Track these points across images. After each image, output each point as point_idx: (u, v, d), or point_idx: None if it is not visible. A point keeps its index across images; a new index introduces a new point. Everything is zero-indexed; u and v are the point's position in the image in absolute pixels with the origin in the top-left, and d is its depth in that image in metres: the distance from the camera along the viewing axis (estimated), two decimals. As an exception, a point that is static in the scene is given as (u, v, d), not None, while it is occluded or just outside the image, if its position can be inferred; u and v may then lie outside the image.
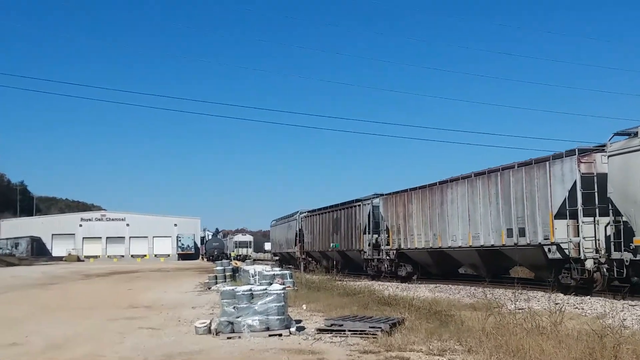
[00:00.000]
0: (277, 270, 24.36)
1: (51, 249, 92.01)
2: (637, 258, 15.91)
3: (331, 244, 37.82)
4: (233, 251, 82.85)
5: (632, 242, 16.09)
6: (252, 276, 22.61)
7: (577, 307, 14.82)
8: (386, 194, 30.98)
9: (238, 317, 11.47)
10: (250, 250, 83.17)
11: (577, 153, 18.23)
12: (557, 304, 12.73)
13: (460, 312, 13.75)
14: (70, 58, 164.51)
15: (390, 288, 21.70)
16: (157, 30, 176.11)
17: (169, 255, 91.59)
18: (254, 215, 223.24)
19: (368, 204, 32.61)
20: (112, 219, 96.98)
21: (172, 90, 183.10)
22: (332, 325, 11.43)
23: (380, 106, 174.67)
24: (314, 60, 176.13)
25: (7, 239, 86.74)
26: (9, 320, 15.85)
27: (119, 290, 26.81)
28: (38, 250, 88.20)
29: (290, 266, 44.82)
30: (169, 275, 41.50)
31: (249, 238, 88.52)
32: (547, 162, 19.32)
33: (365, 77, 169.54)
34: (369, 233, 31.96)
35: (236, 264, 34.26)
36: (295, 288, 21.34)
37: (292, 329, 11.53)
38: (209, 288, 25.03)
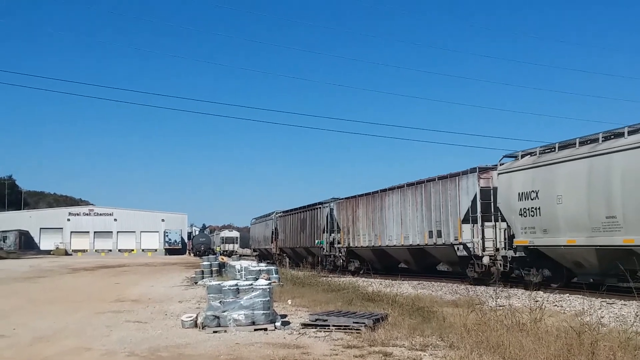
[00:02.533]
0: (263, 266, 24.50)
1: (39, 243, 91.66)
2: (516, 255, 20.65)
3: (299, 242, 42.05)
4: (219, 247, 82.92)
5: (514, 243, 20.62)
6: (239, 271, 22.76)
7: (556, 305, 15.05)
8: (340, 199, 35.60)
9: (224, 312, 11.61)
10: (236, 246, 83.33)
11: (477, 171, 22.41)
12: (537, 301, 12.92)
13: (442, 308, 13.95)
14: (59, 53, 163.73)
15: (374, 284, 21.89)
16: (146, 26, 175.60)
17: (156, 250, 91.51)
18: (240, 212, 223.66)
19: (327, 206, 36.90)
20: (100, 214, 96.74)
21: (161, 87, 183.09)
22: (316, 320, 11.60)
23: (372, 106, 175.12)
24: (313, 61, 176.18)
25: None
26: (-4, 313, 15.90)
27: (107, 284, 26.84)
28: (26, 244, 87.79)
29: (269, 261, 47.07)
30: (156, 269, 41.48)
31: (235, 234, 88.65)
32: (457, 177, 23.40)
33: (357, 78, 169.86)
34: (326, 232, 36.12)
35: (223, 259, 34.41)
36: (281, 283, 21.49)
37: (278, 324, 11.68)
38: (196, 283, 25.11)
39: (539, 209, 19.13)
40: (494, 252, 21.69)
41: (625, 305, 14.55)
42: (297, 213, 43.39)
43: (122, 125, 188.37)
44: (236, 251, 77.39)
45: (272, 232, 50.21)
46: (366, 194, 31.74)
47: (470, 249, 22.22)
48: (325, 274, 30.15)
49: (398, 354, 8.92)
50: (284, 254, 46.83)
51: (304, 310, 14.48)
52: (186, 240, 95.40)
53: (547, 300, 15.31)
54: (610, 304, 14.97)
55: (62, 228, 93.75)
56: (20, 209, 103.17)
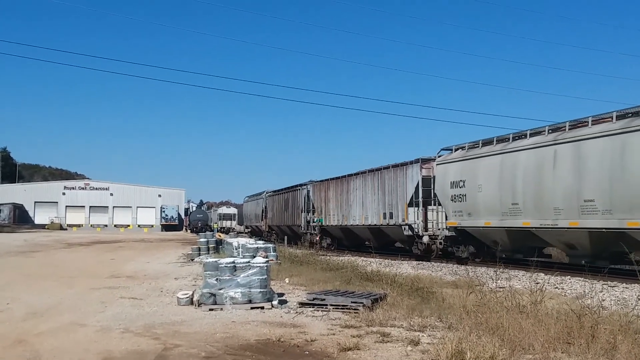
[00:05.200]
0: (260, 244, 24.39)
1: (34, 217, 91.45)
2: (449, 234, 24.05)
3: (283, 220, 45.50)
4: (217, 223, 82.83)
5: (446, 224, 24.07)
6: (236, 249, 22.66)
7: (557, 287, 14.98)
8: (315, 182, 38.87)
9: (220, 289, 11.48)
10: (234, 223, 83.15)
11: (420, 161, 25.59)
12: (537, 283, 12.83)
13: (442, 289, 13.85)
14: (57, 24, 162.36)
15: (373, 264, 21.82)
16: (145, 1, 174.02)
17: (152, 226, 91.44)
18: (238, 188, 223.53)
19: (305, 188, 39.99)
20: (96, 188, 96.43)
21: (158, 60, 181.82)
22: (314, 299, 11.48)
23: (370, 80, 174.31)
24: (317, 36, 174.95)
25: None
26: (-11, 287, 15.78)
27: (102, 260, 26.75)
28: (20, 218, 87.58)
29: (259, 237, 48.44)
30: (152, 245, 41.46)
31: (233, 210, 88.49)
32: (405, 166, 26.69)
33: (362, 53, 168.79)
34: (304, 212, 39.41)
35: (220, 236, 34.37)
36: (279, 262, 21.38)
37: (275, 302, 11.57)
38: (192, 260, 25.04)
39: (465, 195, 22.49)
40: (434, 232, 24.93)
41: (627, 288, 14.51)
42: (282, 193, 46.68)
43: (119, 99, 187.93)
44: (234, 228, 77.28)
45: (262, 210, 53.08)
46: (336, 178, 35.19)
47: (415, 229, 25.50)
48: (318, 251, 30.57)
49: (396, 334, 8.81)
50: (273, 231, 49.80)
51: (301, 289, 14.38)
52: (183, 217, 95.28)
53: (548, 282, 15.23)
54: (612, 286, 14.92)
55: (57, 202, 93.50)
56: (15, 182, 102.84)
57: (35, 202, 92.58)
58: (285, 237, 42.93)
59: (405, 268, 21.02)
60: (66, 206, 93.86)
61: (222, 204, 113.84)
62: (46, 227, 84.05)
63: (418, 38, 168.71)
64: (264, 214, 52.84)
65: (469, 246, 23.33)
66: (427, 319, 9.82)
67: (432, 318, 9.92)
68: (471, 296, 10.37)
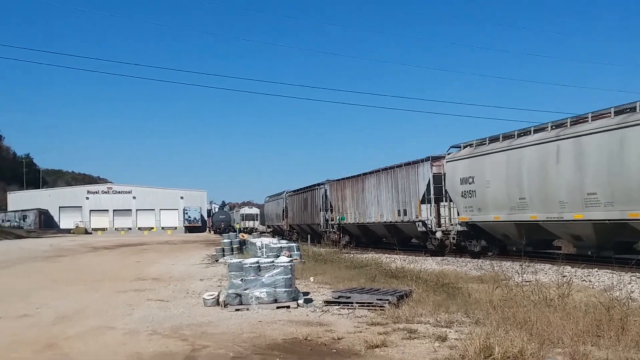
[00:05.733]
0: (284, 243, 24.43)
1: (59, 222, 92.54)
2: (460, 229, 24.56)
3: (303, 219, 46.62)
4: (240, 224, 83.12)
5: (458, 219, 24.65)
6: (259, 249, 22.73)
7: (584, 280, 14.83)
8: (332, 181, 39.82)
9: (246, 290, 11.52)
10: (257, 223, 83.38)
11: (430, 159, 26.34)
12: (564, 276, 12.73)
13: (467, 284, 13.79)
14: (79, 30, 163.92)
15: (397, 261, 21.78)
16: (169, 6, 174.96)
17: (175, 228, 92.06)
18: (259, 188, 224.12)
19: (322, 188, 40.91)
20: (119, 192, 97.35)
21: (178, 63, 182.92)
22: (339, 297, 11.48)
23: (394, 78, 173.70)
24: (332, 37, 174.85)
25: (14, 211, 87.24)
26: (18, 292, 15.99)
27: (127, 263, 27.00)
28: (46, 223, 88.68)
29: (281, 237, 49.71)
30: (176, 247, 41.74)
31: (255, 211, 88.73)
32: (417, 164, 27.43)
33: (373, 50, 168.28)
34: (322, 210, 40.41)
35: (243, 236, 34.47)
36: (303, 260, 21.41)
37: (300, 301, 11.58)
38: (217, 260, 25.15)
39: (474, 191, 23.16)
40: (446, 228, 25.67)
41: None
42: (301, 193, 47.86)
43: (139, 103, 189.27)
44: (257, 228, 77.51)
45: (283, 210, 54.16)
46: (351, 177, 36.13)
47: (428, 225, 26.21)
48: (341, 249, 30.54)
49: (423, 330, 8.78)
50: (294, 230, 51.17)
51: (326, 287, 14.39)
52: (206, 218, 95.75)
53: (575, 275, 15.17)
54: (640, 278, 14.71)
55: (81, 206, 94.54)
56: (39, 188, 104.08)
57: (59, 207, 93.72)
58: (309, 236, 43.10)
59: (430, 264, 20.96)
60: (90, 210, 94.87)
61: (244, 204, 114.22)
62: (71, 231, 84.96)
63: (426, 33, 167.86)
64: (284, 213, 53.86)
65: (481, 240, 24.00)
66: (454, 315, 9.78)
67: (458, 314, 9.87)
68: (497, 291, 10.30)
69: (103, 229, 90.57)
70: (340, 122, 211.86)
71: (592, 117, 18.16)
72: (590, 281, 14.75)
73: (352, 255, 25.68)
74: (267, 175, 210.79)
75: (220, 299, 11.84)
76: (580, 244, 19.29)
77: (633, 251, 18.70)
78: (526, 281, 12.28)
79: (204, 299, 12.24)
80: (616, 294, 10.39)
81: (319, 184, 42.22)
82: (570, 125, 18.85)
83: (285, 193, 54.37)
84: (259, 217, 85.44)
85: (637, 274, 15.20)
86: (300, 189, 48.63)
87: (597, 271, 16.53)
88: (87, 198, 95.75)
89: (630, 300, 9.14)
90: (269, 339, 8.75)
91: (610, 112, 17.49)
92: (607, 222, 17.21)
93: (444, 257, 24.35)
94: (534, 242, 21.44)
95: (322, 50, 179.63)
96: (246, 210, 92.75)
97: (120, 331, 9.82)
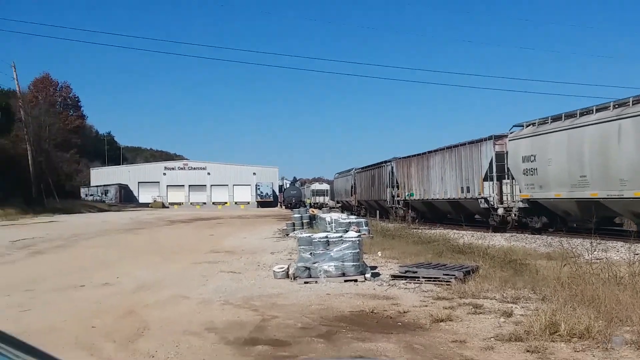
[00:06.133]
0: (353, 218, 24.65)
1: (138, 196, 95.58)
2: (522, 206, 25.22)
3: (371, 195, 47.94)
4: (310, 199, 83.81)
5: (519, 197, 25.31)
6: (329, 224, 23.03)
7: (659, 258, 14.40)
8: (397, 158, 40.63)
9: (315, 263, 11.81)
10: (327, 199, 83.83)
11: (493, 138, 26.86)
12: (637, 254, 12.44)
13: (535, 261, 13.63)
14: (154, 11, 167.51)
15: (465, 237, 21.69)
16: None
17: (248, 203, 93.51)
18: (329, 165, 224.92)
19: (389, 165, 41.75)
20: (194, 168, 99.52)
21: (246, 43, 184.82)
22: (406, 272, 11.63)
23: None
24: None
25: (97, 186, 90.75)
26: (101, 262, 16.84)
27: (202, 236, 27.80)
28: (126, 197, 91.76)
29: (350, 212, 50.70)
30: (249, 222, 42.55)
31: (325, 187, 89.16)
32: (480, 143, 27.96)
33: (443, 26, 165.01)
34: (389, 187, 41.24)
35: (313, 211, 34.90)
36: (371, 235, 21.59)
37: (367, 275, 11.79)
38: (287, 235, 25.57)
39: (536, 169, 23.63)
40: (508, 205, 26.18)
41: None
42: (369, 170, 48.90)
43: (213, 82, 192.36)
44: (326, 203, 78.00)
45: (352, 186, 55.40)
46: (416, 155, 37.18)
47: (490, 202, 26.79)
48: (409, 225, 30.55)
49: (489, 306, 8.85)
50: (362, 206, 52.54)
51: (393, 262, 14.54)
52: (277, 193, 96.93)
53: (648, 253, 14.72)
54: None
55: (158, 182, 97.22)
56: (120, 164, 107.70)
57: (138, 182, 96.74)
58: (377, 212, 43.33)
59: (498, 240, 20.76)
60: (167, 185, 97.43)
61: (314, 180, 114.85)
62: (149, 205, 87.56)
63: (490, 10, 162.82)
64: (353, 189, 55.03)
65: (542, 217, 24.50)
66: (520, 291, 9.78)
67: (525, 290, 9.87)
68: (565, 268, 10.21)
69: (179, 204, 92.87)
70: (409, 100, 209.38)
71: None
72: (665, 260, 14.33)
73: (419, 230, 25.70)
74: (338, 152, 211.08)
75: (290, 272, 12.17)
76: None
77: None
78: (597, 259, 12.10)
79: (274, 271, 12.61)
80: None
81: (386, 161, 43.12)
82: (633, 105, 19.00)
83: (353, 170, 55.34)
84: (329, 193, 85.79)
85: None
86: (368, 166, 49.70)
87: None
88: (164, 174, 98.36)
89: None
90: (336, 311, 8.99)
91: None
92: None
93: (511, 234, 24.15)
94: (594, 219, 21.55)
95: (380, 27, 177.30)
96: (316, 186, 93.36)
97: (194, 300, 10.27)
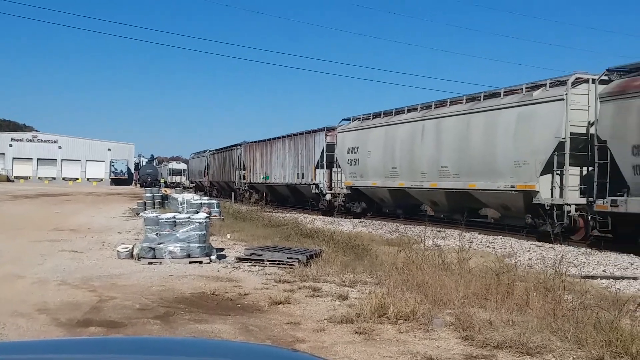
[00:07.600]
0: (205, 199, 24.52)
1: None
2: (346, 192, 28.43)
3: (222, 177, 50.62)
4: (166, 178, 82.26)
5: (343, 184, 28.35)
6: (181, 204, 22.77)
7: (489, 247, 15.50)
8: (246, 143, 43.54)
9: (160, 244, 11.68)
10: (183, 178, 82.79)
11: (325, 130, 29.95)
12: (471, 242, 13.36)
13: (379, 247, 14.29)
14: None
15: (316, 221, 22.28)
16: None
17: (101, 180, 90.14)
18: (189, 145, 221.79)
19: (239, 149, 44.65)
20: (44, 141, 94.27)
21: (112, 14, 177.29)
22: (251, 254, 11.79)
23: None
24: None
25: None
26: None
27: (47, 213, 26.52)
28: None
29: (203, 192, 53.86)
30: (100, 199, 41.13)
31: (182, 166, 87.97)
32: (314, 134, 31.01)
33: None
34: (238, 169, 44.01)
35: (166, 191, 34.36)
36: (222, 217, 21.59)
37: (213, 257, 11.83)
38: (138, 214, 24.91)
39: (358, 160, 26.56)
40: (336, 192, 29.27)
41: (552, 248, 15.12)
42: (221, 152, 51.96)
43: (69, 51, 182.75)
44: (183, 183, 76.97)
45: (205, 167, 58.19)
46: (262, 141, 39.94)
47: (321, 188, 29.69)
48: (263, 208, 30.95)
49: (327, 289, 9.17)
50: (214, 187, 55.42)
51: (241, 244, 14.66)
52: (133, 171, 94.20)
53: (481, 242, 15.89)
54: (539, 246, 15.55)
55: (3, 154, 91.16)
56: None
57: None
58: (233, 194, 43.64)
59: (347, 226, 21.50)
60: (13, 158, 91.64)
61: (172, 159, 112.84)
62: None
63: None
64: (206, 170, 57.70)
65: (362, 203, 27.58)
66: (359, 275, 10.22)
67: (363, 274, 10.32)
68: (402, 254, 10.77)
69: (26, 178, 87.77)
70: (261, 84, 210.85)
71: (450, 102, 21.67)
72: (494, 248, 15.42)
73: (271, 214, 26.04)
74: (200, 133, 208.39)
75: (134, 252, 11.95)
76: (437, 208, 23.27)
77: (479, 216, 22.70)
78: (435, 246, 12.86)
79: (117, 251, 12.34)
80: (511, 261, 11.07)
81: (236, 145, 46.03)
82: (434, 108, 22.19)
83: (208, 151, 57.99)
84: (186, 172, 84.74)
85: (536, 242, 16.17)
86: (221, 149, 52.55)
87: (501, 238, 17.35)
88: (11, 145, 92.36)
89: (528, 267, 9.76)
90: (177, 292, 8.97)
91: (463, 100, 21.08)
92: (454, 190, 20.74)
93: (361, 220, 25.30)
94: (403, 205, 25.33)
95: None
96: (174, 165, 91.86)
97: (29, 280, 9.86)
